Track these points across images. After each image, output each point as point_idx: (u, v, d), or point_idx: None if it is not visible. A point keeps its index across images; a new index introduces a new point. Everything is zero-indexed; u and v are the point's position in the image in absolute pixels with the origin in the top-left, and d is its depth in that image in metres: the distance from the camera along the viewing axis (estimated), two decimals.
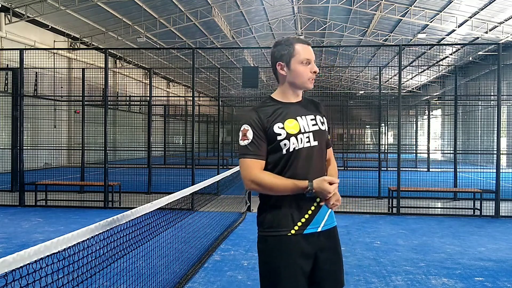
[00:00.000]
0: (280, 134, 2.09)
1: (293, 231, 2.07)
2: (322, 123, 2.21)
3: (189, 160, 19.26)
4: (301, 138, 2.11)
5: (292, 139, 2.09)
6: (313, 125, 2.16)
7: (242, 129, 2.13)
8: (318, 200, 2.12)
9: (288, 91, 2.20)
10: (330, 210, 2.18)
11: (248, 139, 2.09)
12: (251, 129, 2.10)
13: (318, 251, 2.13)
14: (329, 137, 2.30)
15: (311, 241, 2.11)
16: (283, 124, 2.10)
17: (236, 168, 7.73)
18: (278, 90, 2.24)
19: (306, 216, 2.10)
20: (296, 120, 2.13)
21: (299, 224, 2.09)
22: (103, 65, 9.23)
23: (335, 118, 23.67)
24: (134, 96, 23.90)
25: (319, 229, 2.13)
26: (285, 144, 2.08)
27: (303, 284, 2.10)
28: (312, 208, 2.12)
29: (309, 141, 2.12)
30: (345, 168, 18.09)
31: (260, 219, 2.17)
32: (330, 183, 2.03)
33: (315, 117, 2.19)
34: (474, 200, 8.69)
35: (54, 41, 20.58)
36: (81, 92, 11.89)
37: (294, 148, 2.09)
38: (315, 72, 2.16)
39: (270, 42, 29.13)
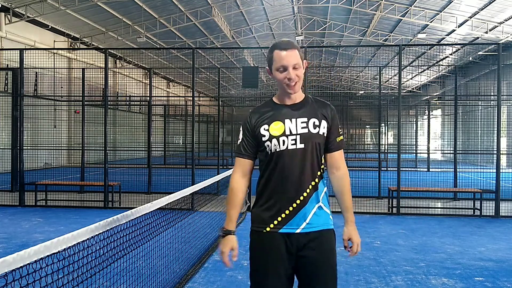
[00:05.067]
0: (264, 136, 2.20)
1: (268, 229, 2.19)
2: (316, 126, 2.21)
3: (189, 160, 19.25)
4: (283, 140, 2.18)
5: (274, 141, 2.18)
6: (302, 127, 2.20)
7: (239, 129, 2.34)
8: (297, 201, 2.17)
9: (281, 94, 2.29)
10: (314, 212, 2.20)
11: (239, 139, 2.30)
12: (242, 130, 2.28)
13: (298, 251, 2.18)
14: (338, 139, 2.30)
15: (290, 241, 2.17)
16: (269, 126, 2.21)
17: None
18: (277, 92, 2.34)
19: (283, 215, 2.17)
20: (283, 122, 2.20)
21: (275, 222, 2.18)
22: (103, 65, 9.23)
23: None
24: (134, 96, 23.89)
25: (298, 231, 2.17)
26: (267, 145, 2.20)
27: (277, 278, 2.17)
28: (290, 208, 2.17)
29: (294, 143, 2.18)
30: None
31: (250, 214, 2.35)
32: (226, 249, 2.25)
33: (308, 120, 2.21)
34: (474, 200, 8.69)
35: (54, 41, 20.58)
36: (81, 92, 11.89)
37: (275, 150, 2.18)
38: (289, 79, 2.17)
39: (270, 42, 29.12)
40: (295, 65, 2.17)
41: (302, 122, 2.20)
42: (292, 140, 2.17)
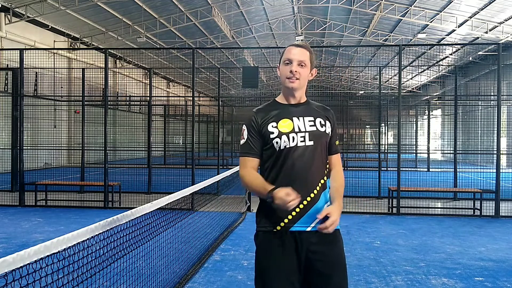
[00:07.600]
0: (273, 133, 2.18)
1: (278, 227, 2.15)
2: (322, 125, 2.24)
3: (189, 160, 19.24)
4: (293, 137, 2.17)
5: (284, 137, 2.17)
6: (310, 125, 2.21)
7: (241, 129, 2.29)
8: (308, 199, 2.14)
9: (285, 93, 2.29)
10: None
11: (244, 139, 2.24)
12: (246, 129, 2.24)
13: (309, 250, 2.14)
14: (337, 143, 2.33)
15: (300, 239, 2.13)
16: (277, 123, 2.20)
17: (236, 168, 7.74)
18: (281, 93, 2.33)
19: (293, 213, 2.13)
20: (291, 120, 2.21)
21: (286, 221, 2.14)
22: (103, 65, 9.23)
23: (335, 118, 23.67)
24: (134, 96, 23.89)
25: (309, 229, 2.15)
26: (277, 142, 2.17)
27: (286, 277, 2.11)
28: (301, 206, 2.13)
29: (304, 141, 2.18)
30: (345, 168, 18.08)
31: (256, 216, 2.28)
32: (288, 195, 1.98)
33: (315, 119, 2.24)
34: (474, 200, 8.69)
35: (54, 41, 20.58)
36: (81, 92, 11.89)
37: (285, 146, 2.16)
38: (290, 71, 2.19)
39: (270, 42, 29.15)
40: (300, 62, 2.20)
41: (309, 121, 2.23)
42: (301, 137, 2.18)
